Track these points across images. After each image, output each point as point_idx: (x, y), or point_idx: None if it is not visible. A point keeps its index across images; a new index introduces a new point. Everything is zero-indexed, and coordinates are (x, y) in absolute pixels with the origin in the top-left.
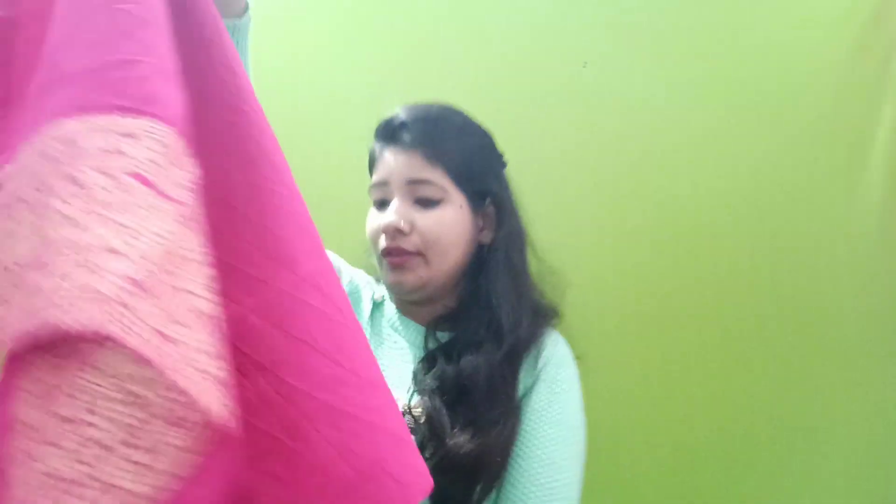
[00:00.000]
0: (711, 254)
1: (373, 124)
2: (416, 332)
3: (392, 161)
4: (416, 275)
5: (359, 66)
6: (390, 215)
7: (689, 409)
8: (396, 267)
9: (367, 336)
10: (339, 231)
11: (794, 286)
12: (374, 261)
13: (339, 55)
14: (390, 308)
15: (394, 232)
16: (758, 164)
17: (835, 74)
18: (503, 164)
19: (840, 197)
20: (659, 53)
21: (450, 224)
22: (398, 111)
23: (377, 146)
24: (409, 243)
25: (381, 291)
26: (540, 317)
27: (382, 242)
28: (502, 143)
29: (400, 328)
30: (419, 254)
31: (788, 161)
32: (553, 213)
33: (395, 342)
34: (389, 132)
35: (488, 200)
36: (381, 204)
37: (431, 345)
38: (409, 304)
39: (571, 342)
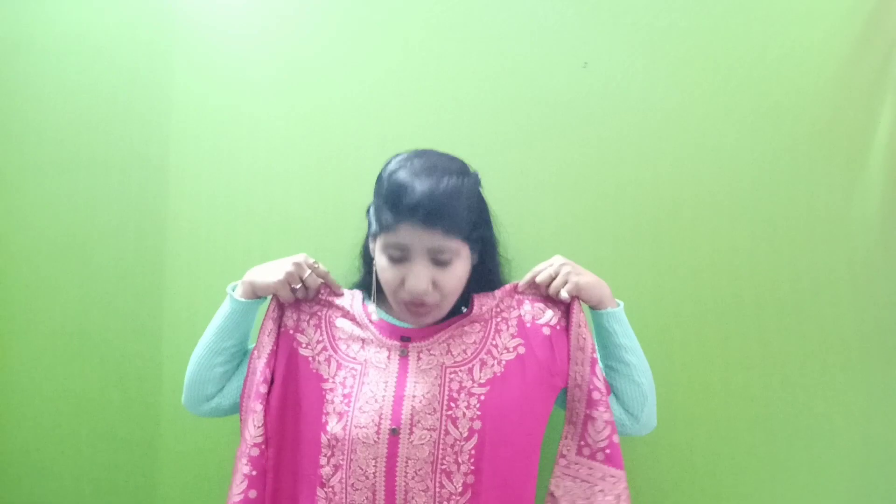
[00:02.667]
0: (711, 253)
1: (372, 129)
2: None
3: (412, 233)
4: (433, 317)
5: (358, 69)
6: (417, 283)
7: (688, 409)
8: (417, 314)
9: None
10: (336, 231)
11: (793, 286)
12: (382, 296)
13: (338, 59)
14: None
15: (420, 294)
16: (757, 164)
17: (835, 74)
18: (487, 207)
19: (840, 197)
20: (659, 53)
21: (461, 275)
22: (417, 194)
23: (391, 216)
24: (431, 298)
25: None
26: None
27: (404, 296)
28: (502, 143)
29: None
30: (436, 303)
31: (788, 161)
32: (553, 212)
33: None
34: (407, 210)
35: (479, 240)
36: (398, 260)
37: None
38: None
39: None
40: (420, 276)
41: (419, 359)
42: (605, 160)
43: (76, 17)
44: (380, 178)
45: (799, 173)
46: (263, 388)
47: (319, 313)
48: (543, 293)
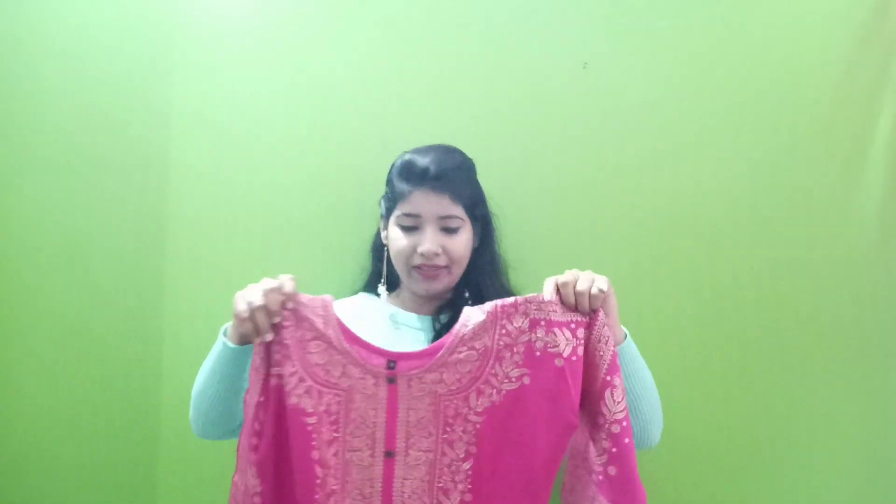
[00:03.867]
0: (711, 253)
1: (373, 129)
2: (426, 321)
3: (424, 200)
4: (443, 283)
5: (358, 69)
6: (427, 244)
7: (688, 409)
8: (428, 278)
9: (390, 334)
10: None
11: (793, 285)
12: (396, 270)
13: (339, 59)
14: (399, 314)
15: (432, 256)
16: (757, 164)
17: (835, 73)
18: (484, 193)
19: (840, 197)
20: (659, 53)
21: (465, 244)
22: (426, 161)
23: (405, 185)
24: (440, 260)
25: (387, 307)
26: (509, 292)
27: (416, 260)
28: (502, 143)
29: (416, 323)
30: (445, 267)
31: (788, 160)
32: (553, 212)
33: (414, 333)
34: (421, 177)
35: (480, 218)
36: (410, 229)
37: (438, 326)
38: (418, 302)
39: None
40: (432, 240)
41: (410, 386)
42: (605, 160)
43: (76, 17)
44: (392, 166)
45: (799, 173)
46: (255, 441)
47: (287, 341)
48: (570, 300)
